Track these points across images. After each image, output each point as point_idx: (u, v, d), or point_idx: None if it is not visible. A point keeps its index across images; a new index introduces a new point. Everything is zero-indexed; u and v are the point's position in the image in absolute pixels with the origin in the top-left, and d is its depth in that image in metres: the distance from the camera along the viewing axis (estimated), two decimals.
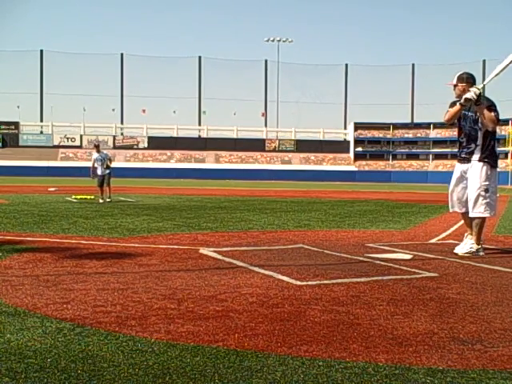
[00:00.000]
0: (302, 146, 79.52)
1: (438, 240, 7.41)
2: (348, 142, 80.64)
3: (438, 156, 77.80)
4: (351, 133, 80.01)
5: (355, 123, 79.55)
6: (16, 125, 75.44)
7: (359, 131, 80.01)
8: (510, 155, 63.33)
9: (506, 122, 65.87)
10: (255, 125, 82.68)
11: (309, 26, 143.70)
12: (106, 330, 2.89)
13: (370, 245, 6.71)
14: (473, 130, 5.94)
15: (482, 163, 5.88)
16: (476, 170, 5.89)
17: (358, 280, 4.39)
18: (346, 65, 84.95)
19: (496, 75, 5.99)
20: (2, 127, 74.68)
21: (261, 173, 69.29)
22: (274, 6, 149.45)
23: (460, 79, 5.95)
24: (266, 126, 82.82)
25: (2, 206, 12.63)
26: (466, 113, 5.95)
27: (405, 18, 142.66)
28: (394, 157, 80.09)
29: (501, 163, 68.59)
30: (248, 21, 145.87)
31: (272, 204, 15.69)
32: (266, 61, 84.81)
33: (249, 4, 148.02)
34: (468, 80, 5.93)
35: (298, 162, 77.49)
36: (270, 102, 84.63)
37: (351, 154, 79.54)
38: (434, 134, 78.42)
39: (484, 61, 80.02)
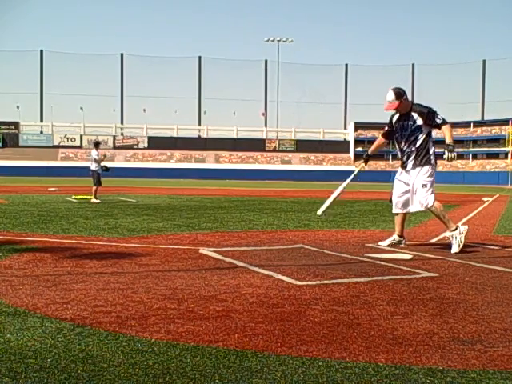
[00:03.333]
0: (302, 145, 79.53)
1: (438, 240, 7.41)
2: (348, 142, 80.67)
3: (437, 156, 77.55)
4: (351, 133, 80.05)
5: (355, 123, 79.59)
6: (16, 125, 75.46)
7: (359, 131, 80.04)
8: (510, 155, 63.32)
9: (506, 122, 65.87)
10: (255, 125, 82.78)
11: (309, 26, 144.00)
12: (106, 330, 2.89)
13: (370, 245, 6.71)
14: (414, 136, 6.30)
15: (418, 167, 6.27)
16: (416, 173, 6.27)
17: (358, 280, 4.39)
18: (346, 65, 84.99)
19: (329, 206, 6.78)
20: (2, 127, 74.71)
21: (261, 173, 69.29)
22: (274, 6, 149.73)
23: (396, 97, 6.21)
24: (266, 126, 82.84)
25: (1, 206, 12.63)
26: (406, 123, 6.27)
27: (405, 18, 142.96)
28: (394, 157, 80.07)
29: (501, 163, 68.66)
30: (248, 21, 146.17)
31: (272, 204, 15.69)
32: (266, 61, 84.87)
33: (249, 4, 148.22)
34: (398, 95, 6.20)
35: (298, 162, 77.50)
36: (270, 102, 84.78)
37: (351, 154, 79.56)
38: (433, 133, 78.28)
39: (484, 61, 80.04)
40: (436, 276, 4.65)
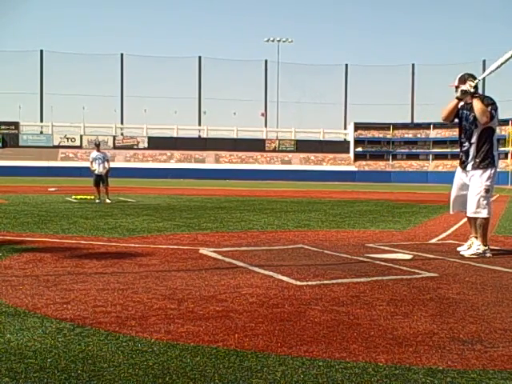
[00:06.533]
0: (302, 146, 79.53)
1: (438, 240, 7.40)
2: (348, 142, 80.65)
3: (438, 156, 77.82)
4: (351, 133, 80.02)
5: (355, 123, 79.57)
6: (16, 125, 75.44)
7: (359, 131, 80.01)
8: (510, 155, 63.33)
9: (506, 122, 65.89)
10: (255, 125, 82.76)
11: (309, 26, 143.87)
12: (106, 330, 2.89)
13: (370, 245, 6.71)
14: (470, 129, 5.98)
15: (480, 170, 5.92)
16: (476, 176, 5.93)
17: (358, 280, 4.39)
18: (346, 65, 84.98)
19: (491, 72, 6.05)
20: (2, 127, 74.68)
21: (261, 173, 69.27)
22: (274, 6, 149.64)
23: (462, 80, 5.96)
24: (266, 126, 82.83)
25: (1, 206, 12.63)
26: (468, 113, 5.97)
27: (405, 18, 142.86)
28: (394, 157, 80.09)
29: (501, 163, 68.66)
30: (248, 21, 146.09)
31: (272, 204, 15.69)
32: (266, 61, 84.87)
33: (249, 4, 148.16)
34: (469, 80, 5.94)
35: (298, 162, 77.48)
36: (270, 102, 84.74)
37: (351, 154, 79.55)
38: (434, 134, 78.42)
39: (484, 61, 79.98)
40: (436, 276, 4.65)
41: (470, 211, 5.94)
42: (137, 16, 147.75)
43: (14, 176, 55.06)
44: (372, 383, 2.25)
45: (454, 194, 6.26)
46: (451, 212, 6.41)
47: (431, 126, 78.26)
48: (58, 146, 75.53)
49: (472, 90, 5.78)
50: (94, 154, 15.80)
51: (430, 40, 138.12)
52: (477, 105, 5.78)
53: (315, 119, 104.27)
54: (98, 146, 16.18)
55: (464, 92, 5.79)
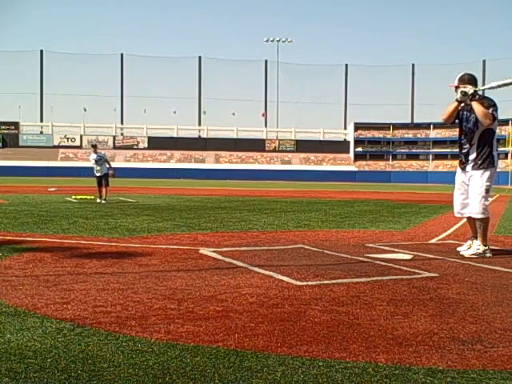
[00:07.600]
0: (302, 146, 79.55)
1: (438, 240, 7.40)
2: (348, 142, 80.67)
3: (438, 156, 77.82)
4: (351, 133, 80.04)
5: (355, 123, 79.58)
6: (16, 125, 75.46)
7: (359, 131, 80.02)
8: (510, 155, 63.34)
9: (506, 122, 65.87)
10: (255, 125, 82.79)
11: (309, 26, 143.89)
12: (106, 330, 2.89)
13: (370, 245, 6.71)
14: (471, 130, 5.96)
15: (480, 170, 5.90)
16: (476, 176, 5.92)
17: (358, 280, 4.39)
18: (346, 65, 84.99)
19: (491, 88, 6.01)
20: (2, 127, 74.70)
21: (261, 173, 69.30)
22: (274, 6, 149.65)
23: (461, 80, 5.94)
24: (266, 126, 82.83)
25: (2, 206, 12.63)
26: (469, 114, 5.95)
27: (404, 18, 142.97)
28: (394, 157, 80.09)
29: (501, 163, 68.69)
30: (248, 21, 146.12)
31: (272, 204, 15.69)
32: (265, 61, 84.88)
33: (249, 4, 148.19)
34: (470, 81, 5.92)
35: (298, 162, 77.49)
36: (270, 102, 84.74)
37: (351, 154, 79.55)
38: (434, 134, 78.40)
39: (484, 61, 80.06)
40: (436, 276, 4.65)
41: (475, 212, 5.93)
42: (137, 16, 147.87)
43: (14, 176, 55.05)
44: (372, 383, 2.25)
45: (456, 195, 6.24)
46: (455, 215, 6.38)
47: (431, 126, 78.25)
48: (58, 146, 75.54)
49: (471, 92, 5.76)
50: (93, 155, 15.74)
51: (430, 40, 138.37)
52: (477, 108, 5.75)
53: (315, 119, 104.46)
54: (95, 147, 16.06)
55: (464, 94, 5.77)
